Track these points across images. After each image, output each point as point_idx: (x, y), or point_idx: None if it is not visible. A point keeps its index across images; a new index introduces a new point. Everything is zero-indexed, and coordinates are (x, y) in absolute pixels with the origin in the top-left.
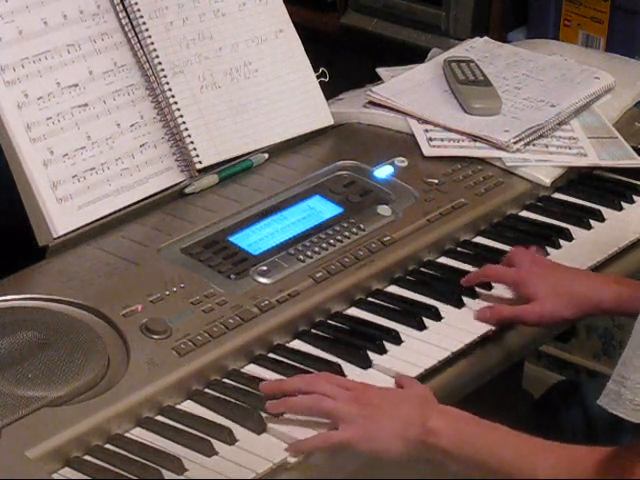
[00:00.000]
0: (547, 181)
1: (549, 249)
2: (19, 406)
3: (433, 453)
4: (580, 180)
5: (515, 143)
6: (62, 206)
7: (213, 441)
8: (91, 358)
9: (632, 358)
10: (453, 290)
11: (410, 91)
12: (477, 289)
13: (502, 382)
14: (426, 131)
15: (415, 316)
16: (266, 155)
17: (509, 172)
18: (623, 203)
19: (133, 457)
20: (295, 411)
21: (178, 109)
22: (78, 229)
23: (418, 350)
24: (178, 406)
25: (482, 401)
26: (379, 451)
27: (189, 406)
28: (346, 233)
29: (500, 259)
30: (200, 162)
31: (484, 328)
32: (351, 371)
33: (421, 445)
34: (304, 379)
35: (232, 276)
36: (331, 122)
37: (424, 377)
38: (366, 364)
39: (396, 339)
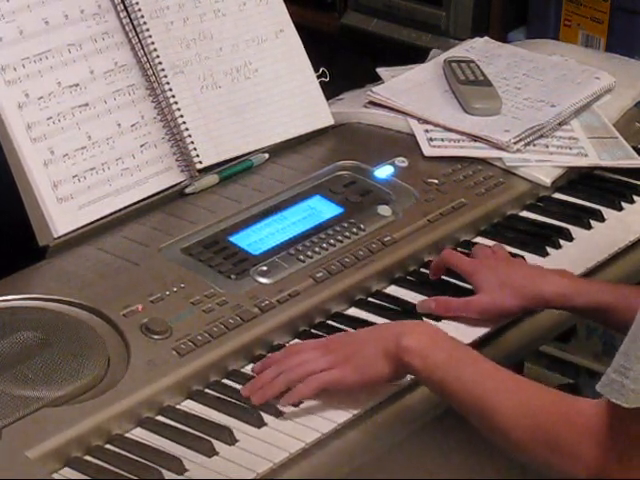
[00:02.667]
0: (547, 181)
1: (549, 249)
2: (19, 406)
3: (409, 371)
4: (580, 180)
5: (515, 143)
6: (62, 206)
7: (213, 441)
8: (91, 358)
9: (634, 349)
10: (453, 290)
11: (410, 91)
12: None
13: None
14: (426, 131)
15: (415, 316)
16: (266, 155)
17: (509, 172)
18: (623, 203)
19: (133, 457)
20: (277, 390)
21: (178, 109)
22: (78, 229)
23: None
24: (178, 406)
25: None
26: (370, 377)
27: (189, 406)
28: (346, 233)
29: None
30: (200, 162)
31: (483, 329)
32: None
33: (400, 362)
34: (273, 365)
35: (232, 276)
36: (331, 122)
37: None
38: None
39: None
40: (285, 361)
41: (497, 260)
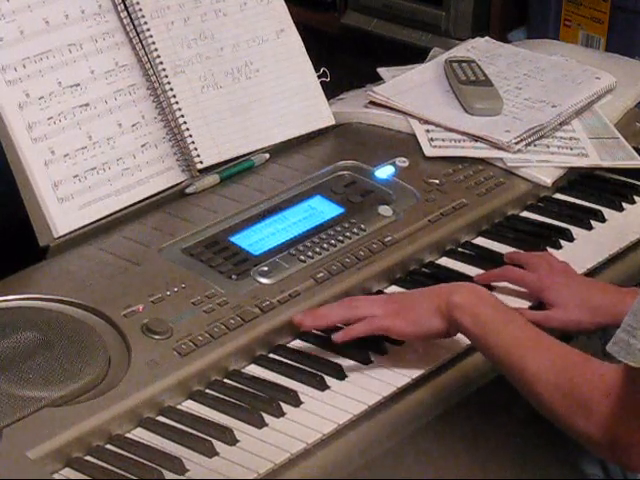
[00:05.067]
0: (548, 181)
1: (550, 249)
2: (20, 406)
3: (459, 328)
4: (581, 180)
5: (516, 143)
6: (63, 206)
7: (214, 441)
8: (92, 358)
9: None
10: None
11: (411, 91)
12: None
13: (504, 382)
14: (427, 131)
15: None
16: (267, 155)
17: (510, 172)
18: (624, 203)
19: (134, 457)
20: (330, 321)
21: (179, 109)
22: (79, 229)
23: (420, 350)
24: (179, 406)
25: (484, 401)
26: (424, 331)
27: (190, 406)
28: (347, 233)
29: (501, 260)
30: (201, 162)
31: None
32: (353, 369)
33: (451, 319)
34: (340, 307)
35: (233, 276)
36: (332, 122)
37: (428, 375)
38: (369, 360)
39: (400, 341)
40: (344, 303)
41: (567, 276)
